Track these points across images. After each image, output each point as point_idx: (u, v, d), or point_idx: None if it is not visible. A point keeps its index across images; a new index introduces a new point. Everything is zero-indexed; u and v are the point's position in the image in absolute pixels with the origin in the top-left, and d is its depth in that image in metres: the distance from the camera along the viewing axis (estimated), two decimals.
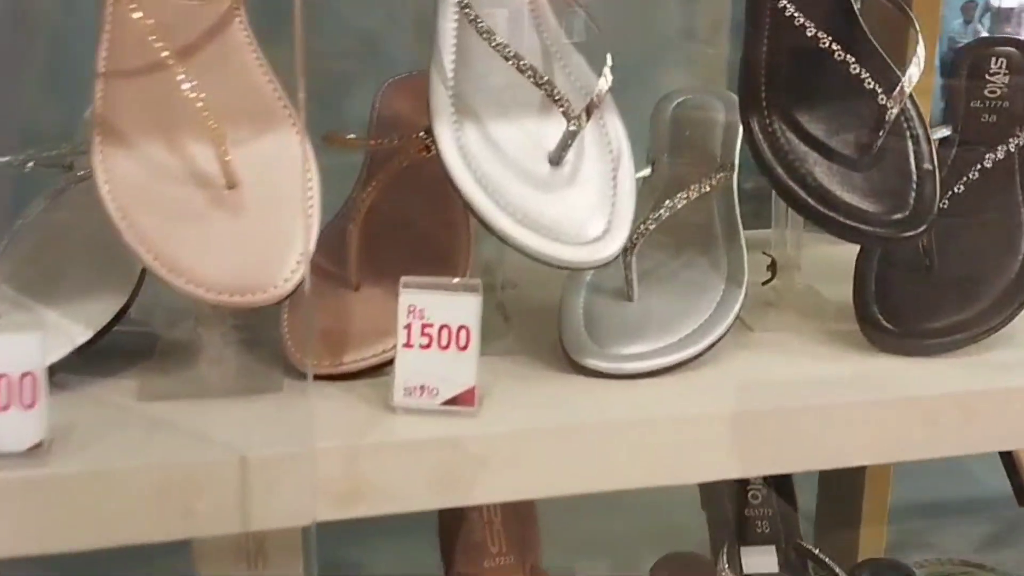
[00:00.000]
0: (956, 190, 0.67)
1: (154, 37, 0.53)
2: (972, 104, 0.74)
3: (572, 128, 0.55)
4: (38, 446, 0.47)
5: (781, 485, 0.81)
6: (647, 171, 0.72)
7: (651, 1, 0.97)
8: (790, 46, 0.61)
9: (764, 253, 0.71)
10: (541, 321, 0.65)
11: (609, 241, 0.56)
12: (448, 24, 0.59)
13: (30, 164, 0.64)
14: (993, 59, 0.76)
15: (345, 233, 0.64)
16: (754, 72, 0.62)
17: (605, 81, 0.56)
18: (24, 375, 0.47)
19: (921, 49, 0.60)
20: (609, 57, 0.57)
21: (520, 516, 0.75)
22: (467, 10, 0.57)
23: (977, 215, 0.67)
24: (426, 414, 0.53)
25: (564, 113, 0.55)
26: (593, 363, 0.59)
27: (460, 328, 0.54)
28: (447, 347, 0.54)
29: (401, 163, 0.64)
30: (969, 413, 0.57)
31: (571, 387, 0.58)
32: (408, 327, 0.54)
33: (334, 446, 0.50)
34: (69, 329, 0.56)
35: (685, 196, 0.64)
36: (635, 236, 0.62)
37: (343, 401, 0.55)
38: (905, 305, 0.64)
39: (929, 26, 0.88)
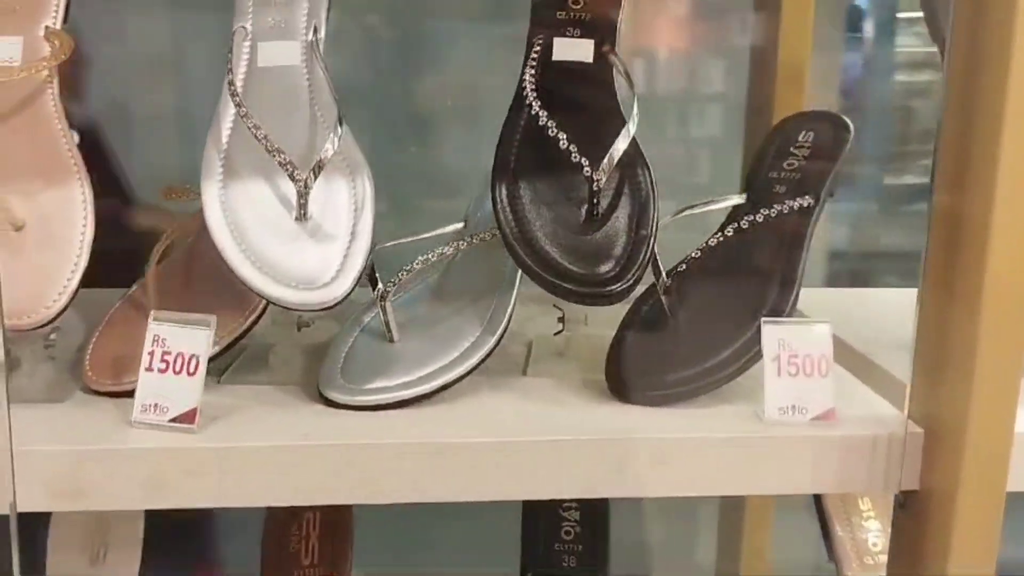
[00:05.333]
0: (710, 243, 0.72)
1: None
2: (770, 175, 0.79)
3: (298, 189, 0.64)
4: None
5: (597, 520, 0.86)
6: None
7: None
8: (532, 120, 0.68)
9: (555, 306, 0.78)
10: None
11: (335, 286, 0.64)
12: (229, 98, 0.69)
13: None
14: (803, 132, 0.80)
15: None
16: (508, 142, 0.70)
17: (331, 147, 0.65)
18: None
19: (632, 124, 0.66)
20: (339, 124, 0.65)
21: (336, 534, 0.83)
22: (231, 86, 0.66)
23: (730, 275, 0.72)
24: (157, 429, 0.62)
25: (290, 176, 0.64)
26: (332, 394, 0.67)
27: (191, 356, 0.63)
28: (180, 372, 0.63)
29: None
30: (659, 458, 0.62)
31: (309, 415, 0.66)
32: (151, 353, 0.64)
33: (68, 449, 0.60)
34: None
35: (442, 252, 0.71)
36: (391, 283, 0.70)
37: (102, 413, 0.65)
38: (641, 360, 0.69)
39: None
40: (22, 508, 0.59)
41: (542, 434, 0.63)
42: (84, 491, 0.60)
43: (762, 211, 0.72)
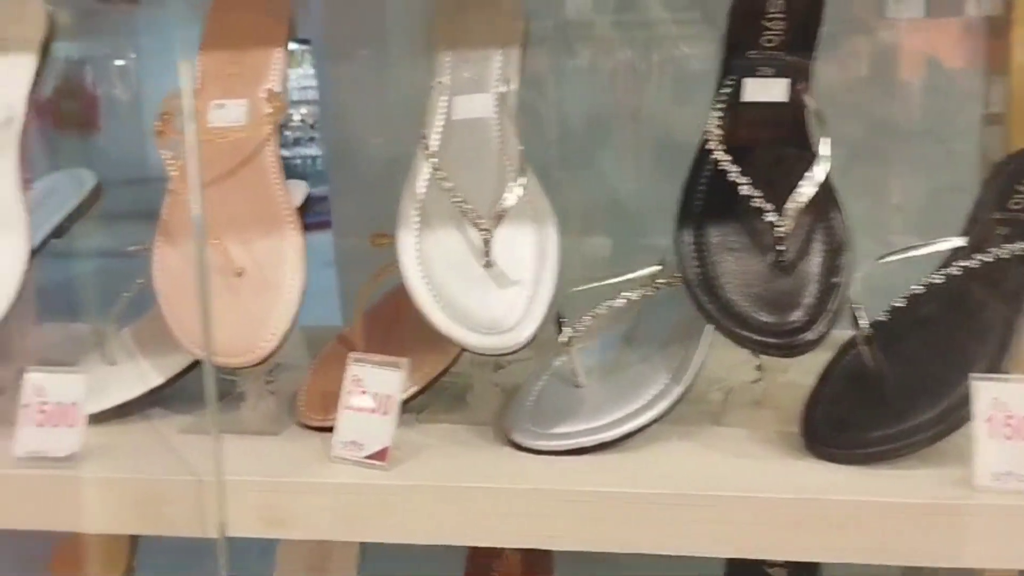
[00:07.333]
0: (915, 291, 0.67)
1: None
2: (993, 215, 0.72)
3: (483, 236, 0.66)
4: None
5: None
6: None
7: None
8: (718, 163, 0.67)
9: (752, 353, 0.75)
10: None
11: (517, 332, 0.65)
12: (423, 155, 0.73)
13: None
14: None
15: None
16: (694, 185, 0.69)
17: (511, 196, 0.66)
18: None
19: (818, 168, 0.63)
20: (518, 175, 0.67)
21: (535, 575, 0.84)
22: (423, 139, 0.70)
23: (939, 325, 0.66)
24: (352, 464, 0.66)
25: (474, 223, 0.66)
26: (518, 438, 0.68)
27: (387, 397, 0.66)
28: (374, 411, 0.67)
29: None
30: (836, 522, 0.59)
31: (494, 458, 0.67)
32: (350, 392, 0.68)
33: (272, 480, 0.65)
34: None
35: (627, 297, 0.71)
36: (577, 329, 0.70)
37: (309, 447, 0.70)
38: (839, 414, 0.65)
39: None
40: (230, 533, 0.65)
41: (718, 489, 0.61)
42: (284, 520, 0.65)
43: (977, 256, 0.67)
